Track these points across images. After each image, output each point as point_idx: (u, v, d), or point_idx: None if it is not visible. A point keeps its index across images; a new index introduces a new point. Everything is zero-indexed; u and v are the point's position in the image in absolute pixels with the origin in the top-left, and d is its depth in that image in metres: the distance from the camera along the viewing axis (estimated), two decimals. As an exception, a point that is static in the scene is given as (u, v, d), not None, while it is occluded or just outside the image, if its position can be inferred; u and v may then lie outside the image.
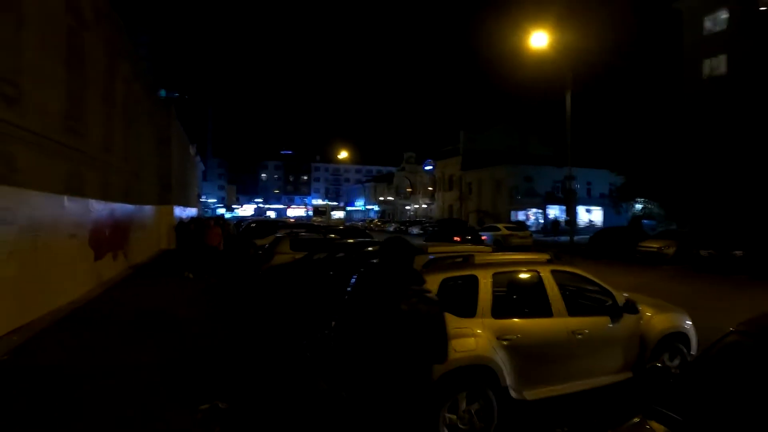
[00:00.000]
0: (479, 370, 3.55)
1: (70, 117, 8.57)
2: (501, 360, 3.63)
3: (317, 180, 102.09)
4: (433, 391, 3.31)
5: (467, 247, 6.34)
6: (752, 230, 15.90)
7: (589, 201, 40.41)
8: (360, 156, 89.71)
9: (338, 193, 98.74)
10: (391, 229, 43.06)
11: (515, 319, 3.96)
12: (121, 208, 12.89)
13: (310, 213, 71.93)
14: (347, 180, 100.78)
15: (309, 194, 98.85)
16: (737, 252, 14.33)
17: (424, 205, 56.68)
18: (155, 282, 11.18)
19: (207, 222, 13.66)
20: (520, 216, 39.96)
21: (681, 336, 4.63)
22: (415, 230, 35.88)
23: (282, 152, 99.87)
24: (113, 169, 12.10)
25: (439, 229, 25.95)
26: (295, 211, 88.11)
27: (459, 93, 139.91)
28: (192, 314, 7.68)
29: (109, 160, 11.70)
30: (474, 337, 3.61)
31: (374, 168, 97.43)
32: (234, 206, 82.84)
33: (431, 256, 4.98)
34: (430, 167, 53.66)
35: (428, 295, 2.83)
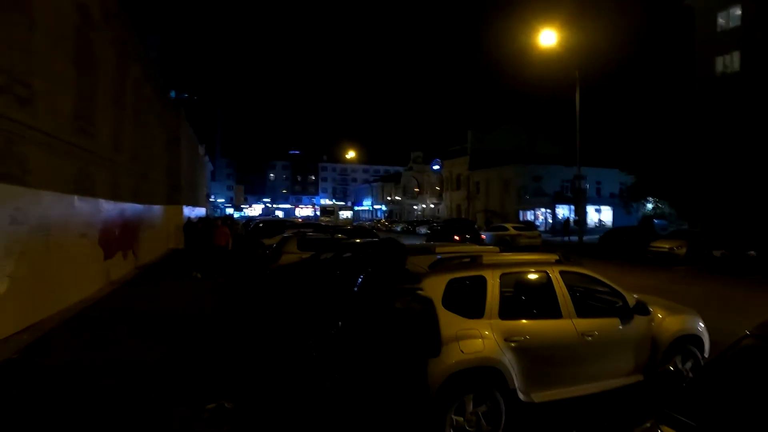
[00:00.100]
0: (486, 372, 3.50)
1: (81, 117, 8.66)
2: (509, 361, 3.58)
3: (325, 180, 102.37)
4: (439, 393, 3.29)
5: (475, 248, 6.29)
6: (767, 230, 15.60)
7: (598, 200, 40.00)
8: (367, 156, 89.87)
9: (346, 192, 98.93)
10: (399, 229, 43.02)
11: (523, 321, 3.91)
12: (131, 207, 13.02)
13: (318, 213, 72.20)
14: (354, 180, 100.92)
15: (317, 194, 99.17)
16: (751, 252, 14.06)
17: (432, 205, 56.54)
18: (164, 281, 11.28)
19: (215, 222, 13.73)
20: (529, 216, 39.69)
21: (693, 338, 4.53)
22: (423, 230, 35.80)
23: (290, 152, 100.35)
24: (123, 169, 12.22)
25: (441, 228, 26.04)
26: (303, 211, 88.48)
27: (467, 92, 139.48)
28: (200, 313, 7.72)
29: (119, 160, 11.82)
30: (481, 338, 3.56)
31: (382, 168, 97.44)
32: (242, 206, 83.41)
33: (438, 256, 4.94)
34: (438, 167, 53.51)
35: (421, 293, 2.89)
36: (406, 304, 2.79)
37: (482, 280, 3.84)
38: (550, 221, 38.95)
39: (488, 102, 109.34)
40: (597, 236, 24.06)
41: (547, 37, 20.30)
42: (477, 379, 3.47)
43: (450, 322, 3.56)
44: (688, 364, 4.45)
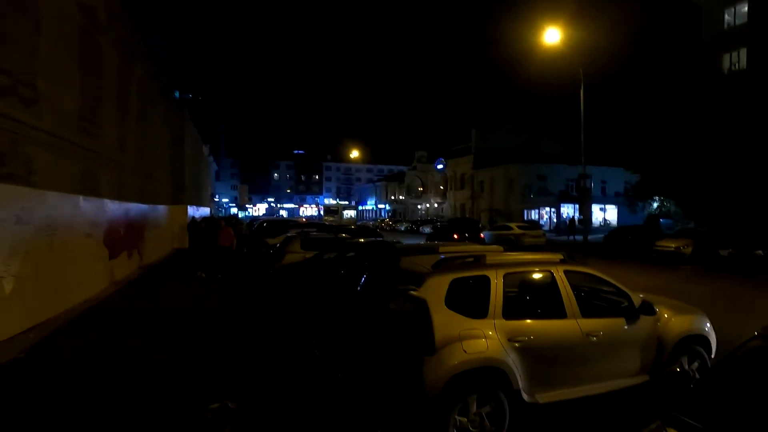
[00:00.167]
0: (490, 372, 3.48)
1: (85, 118, 8.70)
2: (513, 362, 3.55)
3: (329, 179, 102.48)
4: (442, 393, 3.28)
5: (479, 247, 6.26)
6: (774, 229, 15.44)
7: (603, 199, 39.77)
8: (371, 155, 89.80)
9: (349, 192, 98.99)
10: (403, 228, 43.00)
11: (527, 321, 3.88)
12: (135, 207, 13.08)
13: (322, 212, 72.30)
14: (358, 179, 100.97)
15: (320, 193, 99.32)
16: (759, 251, 13.91)
17: (436, 204, 56.43)
18: (168, 281, 11.32)
19: (219, 222, 13.74)
20: (533, 215, 39.54)
21: (700, 339, 4.48)
22: (427, 229, 35.77)
23: (294, 152, 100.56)
24: (127, 169, 12.27)
25: (441, 227, 26.26)
26: (307, 211, 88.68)
27: (471, 91, 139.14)
28: (203, 313, 7.74)
29: (124, 160, 11.87)
30: (485, 338, 3.54)
31: (385, 167, 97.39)
32: (246, 206, 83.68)
33: (442, 256, 4.92)
34: (442, 166, 53.40)
35: (413, 293, 2.95)
36: (399, 305, 2.87)
37: (486, 280, 3.81)
38: (555, 220, 38.79)
39: (492, 101, 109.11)
40: (602, 235, 23.92)
41: (552, 36, 20.16)
42: (480, 379, 3.45)
43: (453, 322, 3.54)
44: (695, 365, 4.41)
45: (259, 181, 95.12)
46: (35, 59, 6.63)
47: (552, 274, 4.09)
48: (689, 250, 16.27)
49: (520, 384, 3.56)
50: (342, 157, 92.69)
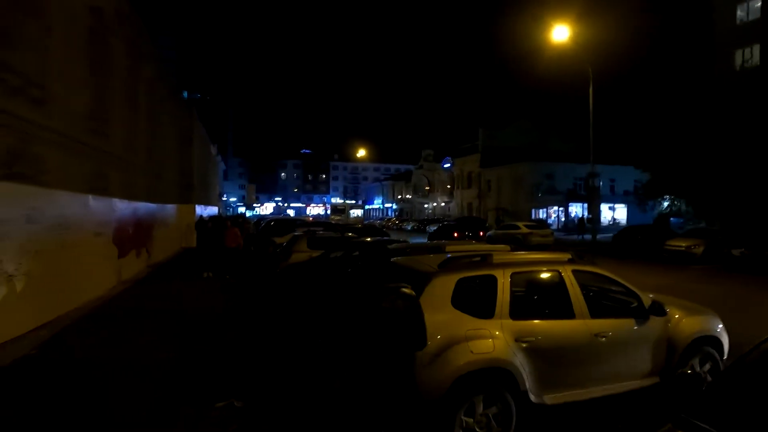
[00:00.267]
0: (497, 373, 3.45)
1: (94, 118, 8.79)
2: (520, 362, 3.52)
3: (336, 178, 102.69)
4: (449, 393, 3.26)
5: (486, 246, 6.22)
6: (788, 228, 15.17)
7: (612, 198, 39.39)
8: (378, 154, 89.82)
9: (356, 191, 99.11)
10: (409, 227, 42.95)
11: (535, 321, 3.84)
12: (144, 206, 13.20)
13: (329, 211, 72.47)
14: (365, 178, 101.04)
15: (327, 193, 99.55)
16: (772, 251, 13.68)
17: (443, 203, 56.29)
18: (176, 280, 11.41)
19: (225, 222, 13.78)
20: (541, 214, 39.27)
21: (712, 340, 4.41)
22: (433, 228, 35.73)
23: (301, 151, 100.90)
24: (136, 168, 12.38)
25: (444, 227, 26.63)
26: (314, 210, 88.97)
27: (478, 89, 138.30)
28: (210, 312, 7.79)
29: (133, 160, 11.97)
30: (492, 338, 3.51)
31: (392, 166, 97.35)
32: (254, 205, 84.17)
33: (448, 255, 4.89)
34: (449, 165, 53.22)
35: (405, 291, 3.04)
36: (390, 303, 2.97)
37: (492, 280, 3.78)
38: (563, 219, 38.50)
39: (500, 99, 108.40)
40: (611, 235, 23.70)
41: (560, 33, 19.99)
42: (487, 380, 3.42)
43: (459, 321, 3.52)
44: (706, 367, 4.34)
45: (267, 180, 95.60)
46: (45, 60, 6.71)
47: (560, 273, 4.04)
48: (700, 249, 16.05)
49: (528, 385, 3.53)
50: (349, 157, 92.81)
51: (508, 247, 5.73)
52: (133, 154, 11.99)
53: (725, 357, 4.44)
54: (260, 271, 11.51)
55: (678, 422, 2.03)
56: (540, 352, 3.63)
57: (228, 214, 52.68)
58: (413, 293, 3.15)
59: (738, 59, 23.74)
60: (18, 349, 5.38)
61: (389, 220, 55.60)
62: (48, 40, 6.76)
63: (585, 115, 21.51)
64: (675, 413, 2.11)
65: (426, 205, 61.01)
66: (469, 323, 3.53)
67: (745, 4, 23.42)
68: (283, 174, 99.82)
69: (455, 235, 22.27)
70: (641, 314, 4.19)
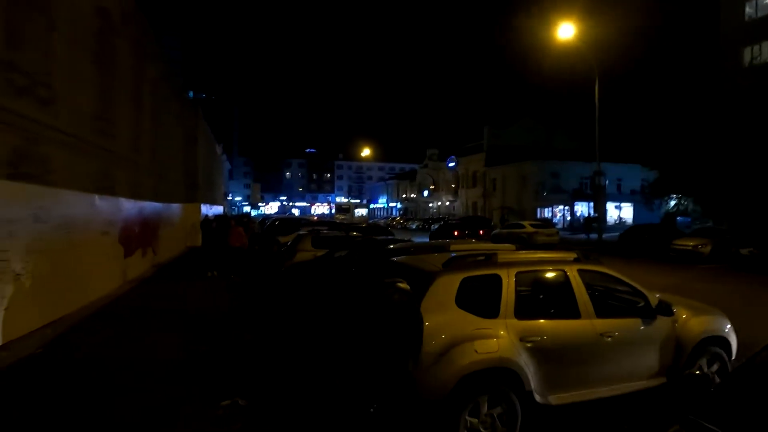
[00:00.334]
0: (502, 373, 3.43)
1: (100, 118, 8.84)
2: (525, 362, 3.49)
3: (340, 178, 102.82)
4: (453, 393, 3.24)
5: (490, 245, 6.19)
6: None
7: (618, 197, 39.11)
8: (383, 153, 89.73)
9: (361, 190, 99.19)
10: (414, 226, 42.90)
11: (540, 320, 3.82)
12: (150, 206, 13.26)
13: (334, 210, 72.57)
14: (370, 177, 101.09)
15: (332, 192, 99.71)
16: (781, 250, 13.53)
17: (447, 203, 56.17)
18: (181, 279, 11.46)
19: (229, 221, 13.80)
20: (546, 213, 39.08)
21: (720, 340, 4.36)
22: (437, 227, 35.69)
23: (306, 150, 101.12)
24: (142, 168, 12.44)
25: (445, 225, 26.94)
26: (319, 209, 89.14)
27: (483, 88, 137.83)
28: (215, 311, 7.81)
29: (138, 159, 12.04)
30: (496, 338, 3.49)
31: (397, 165, 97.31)
32: (259, 204, 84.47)
33: (453, 254, 4.87)
34: (453, 164, 53.08)
35: (401, 285, 3.10)
36: (387, 296, 3.09)
37: (497, 279, 3.75)
38: (569, 218, 38.29)
39: (505, 97, 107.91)
40: (617, 234, 23.55)
41: (565, 30, 19.87)
42: (492, 380, 3.40)
43: (464, 321, 3.50)
44: (714, 367, 4.29)
45: (272, 179, 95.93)
46: (52, 60, 6.75)
47: (565, 273, 4.01)
48: (708, 249, 15.90)
49: (533, 385, 3.50)
50: (353, 156, 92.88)
51: (513, 247, 5.70)
52: (138, 154, 12.05)
53: (733, 358, 4.39)
54: (265, 270, 11.54)
55: (686, 424, 2.00)
56: (545, 352, 3.61)
57: (233, 213, 52.89)
58: (408, 287, 3.17)
59: (746, 56, 23.49)
60: (23, 348, 5.42)
61: (394, 219, 55.60)
62: (54, 40, 6.80)
63: (591, 113, 21.39)
64: (683, 414, 2.08)
65: (431, 204, 60.92)
66: (473, 323, 3.51)
67: (754, 1, 23.16)
68: (287, 173, 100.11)
69: (455, 233, 22.48)
70: (648, 314, 4.14)
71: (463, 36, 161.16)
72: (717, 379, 4.12)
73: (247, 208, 75.97)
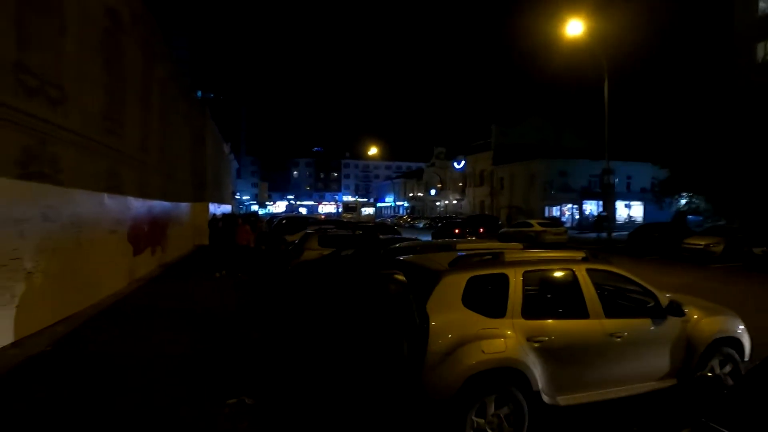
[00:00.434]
0: (508, 373, 3.39)
1: (109, 117, 8.92)
2: (532, 363, 3.46)
3: (347, 176, 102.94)
4: (459, 393, 3.21)
5: (497, 244, 6.14)
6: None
7: (628, 196, 38.68)
8: (389, 152, 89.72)
9: (368, 189, 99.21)
10: (421, 225, 42.81)
11: (548, 320, 3.77)
12: (158, 205, 13.38)
13: (341, 209, 72.71)
14: (377, 176, 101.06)
15: (339, 191, 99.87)
16: (796, 250, 13.28)
17: (455, 201, 55.97)
18: (189, 277, 11.54)
19: (236, 220, 13.88)
20: (555, 212, 38.78)
21: (732, 341, 4.28)
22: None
23: (313, 149, 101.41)
24: (150, 167, 12.55)
25: (447, 224, 27.09)
26: (326, 208, 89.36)
27: (490, 86, 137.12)
28: (223, 310, 7.85)
29: (146, 159, 12.14)
30: (503, 338, 3.45)
31: (404, 164, 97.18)
32: (266, 203, 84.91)
33: (460, 253, 4.83)
34: (461, 165, 52.85)
35: (397, 277, 3.14)
36: (383, 287, 3.17)
37: (504, 278, 3.71)
38: (577, 217, 37.95)
39: (513, 95, 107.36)
40: (627, 232, 23.29)
41: (574, 27, 19.65)
42: (499, 380, 3.36)
43: (470, 321, 3.47)
44: (726, 369, 4.21)
45: (279, 178, 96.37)
46: (61, 60, 6.81)
47: (573, 272, 3.96)
48: (720, 248, 15.66)
49: (540, 385, 3.47)
50: (360, 155, 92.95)
51: (520, 245, 5.64)
52: (146, 153, 12.15)
53: (746, 359, 4.31)
54: (272, 269, 11.58)
55: (698, 427, 1.95)
56: (553, 352, 3.56)
57: (241, 212, 53.21)
58: (405, 279, 3.20)
59: (760, 52, 23.08)
60: (36, 344, 5.49)
61: (401, 218, 55.53)
62: (64, 40, 6.86)
63: (600, 110, 21.16)
64: (694, 417, 2.03)
65: (438, 203, 60.75)
66: (480, 322, 3.48)
67: (768, -5, 22.74)
68: (295, 172, 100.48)
69: (456, 231, 22.67)
70: (658, 314, 4.08)
71: (471, 33, 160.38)
72: (729, 381, 4.04)
73: (254, 207, 76.42)
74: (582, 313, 3.83)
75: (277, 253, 12.35)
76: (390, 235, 11.32)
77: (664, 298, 4.20)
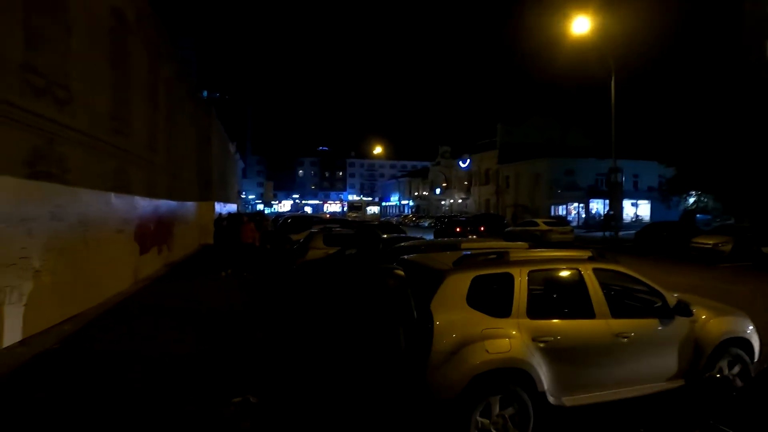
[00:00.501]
0: (513, 373, 3.37)
1: (115, 117, 8.97)
2: (537, 363, 3.43)
3: (352, 176, 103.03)
4: (464, 393, 3.20)
5: (503, 244, 6.11)
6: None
7: (635, 194, 38.37)
8: (395, 151, 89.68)
9: (373, 188, 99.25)
10: (426, 224, 42.75)
11: (553, 320, 3.75)
12: (165, 204, 13.45)
13: (346, 208, 72.83)
14: (382, 175, 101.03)
15: (344, 190, 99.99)
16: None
17: (460, 200, 55.82)
18: (195, 276, 11.60)
19: (241, 218, 13.92)
20: (561, 211, 38.57)
21: (741, 342, 4.22)
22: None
23: (318, 149, 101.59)
24: (156, 167, 12.62)
25: (449, 223, 27.19)
26: (331, 207, 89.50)
27: (496, 84, 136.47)
28: (228, 309, 7.88)
29: (153, 158, 12.21)
30: (508, 338, 3.43)
31: (409, 163, 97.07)
32: (272, 202, 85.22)
33: (466, 252, 4.81)
34: (465, 164, 52.68)
35: (396, 271, 3.18)
36: (382, 282, 3.21)
37: (509, 278, 3.69)
38: (583, 216, 37.72)
39: (518, 93, 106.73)
40: (634, 231, 23.10)
41: (580, 24, 19.50)
42: (504, 380, 3.34)
43: (475, 320, 3.45)
44: (735, 370, 4.16)
45: (284, 177, 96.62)
46: (68, 60, 6.86)
47: (579, 272, 3.92)
48: (728, 247, 15.47)
49: (545, 385, 3.44)
50: (365, 154, 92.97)
51: (526, 245, 5.61)
52: (153, 153, 12.22)
53: (756, 360, 4.25)
54: (277, 268, 11.61)
55: (706, 430, 1.92)
56: (558, 353, 3.54)
57: (247, 211, 53.42)
58: (403, 274, 3.22)
59: (770, 49, 22.74)
60: (43, 342, 5.54)
61: (406, 217, 55.49)
62: (70, 40, 6.91)
63: (606, 109, 21.01)
64: (703, 419, 2.01)
65: (443, 202, 60.63)
66: (484, 322, 3.46)
67: (778, -8, 22.41)
68: (300, 171, 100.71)
69: (457, 230, 22.80)
70: (666, 314, 4.03)
71: (476, 32, 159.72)
72: (738, 383, 3.99)
73: (260, 206, 76.70)
74: (588, 313, 3.79)
75: (282, 252, 12.37)
76: (395, 234, 11.30)
77: (672, 297, 4.16)
